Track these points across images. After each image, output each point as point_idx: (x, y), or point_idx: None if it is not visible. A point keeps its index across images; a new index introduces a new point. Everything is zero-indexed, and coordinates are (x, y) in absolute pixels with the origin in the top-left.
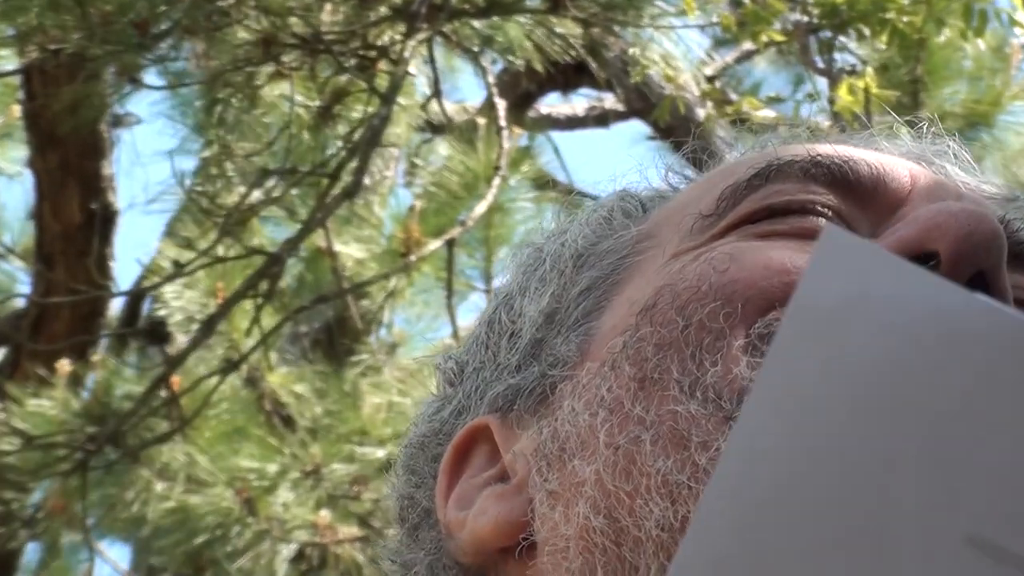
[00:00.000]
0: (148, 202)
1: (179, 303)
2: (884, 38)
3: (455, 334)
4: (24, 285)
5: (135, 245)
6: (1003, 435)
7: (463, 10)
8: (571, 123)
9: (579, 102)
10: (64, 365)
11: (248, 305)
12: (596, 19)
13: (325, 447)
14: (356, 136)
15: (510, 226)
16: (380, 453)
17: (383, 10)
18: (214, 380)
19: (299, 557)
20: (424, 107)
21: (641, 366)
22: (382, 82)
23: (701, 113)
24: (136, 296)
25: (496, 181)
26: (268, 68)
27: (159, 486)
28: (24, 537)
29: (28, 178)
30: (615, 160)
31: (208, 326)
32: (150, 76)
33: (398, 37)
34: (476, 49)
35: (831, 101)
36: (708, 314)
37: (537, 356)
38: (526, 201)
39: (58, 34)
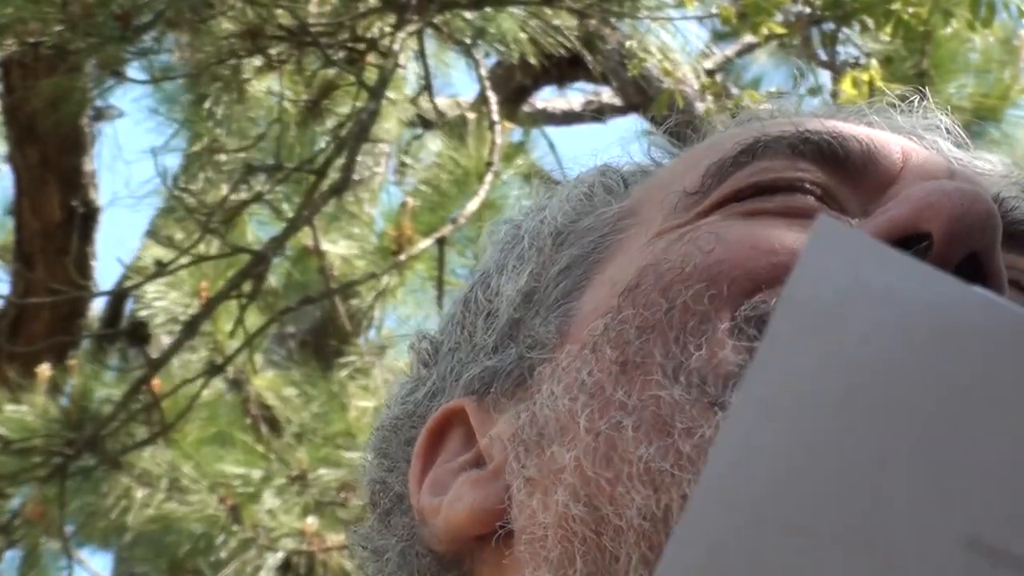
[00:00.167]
0: (132, 199)
1: (161, 304)
2: (889, 30)
3: None
4: (2, 284)
5: (117, 244)
6: (1001, 433)
7: (455, 1)
8: (567, 118)
9: (575, 96)
10: (44, 370)
11: (232, 306)
12: (592, 10)
13: (312, 452)
14: (344, 131)
15: None
16: None
17: (372, 1)
18: (197, 383)
19: (286, 566)
20: (414, 101)
21: (623, 349)
22: (371, 75)
23: (701, 107)
24: (118, 296)
25: (488, 177)
26: (254, 61)
27: (140, 493)
28: (2, 545)
29: (7, 174)
30: (612, 156)
31: (191, 327)
32: (133, 70)
33: (387, 29)
34: (468, 41)
35: (834, 95)
36: (693, 296)
37: (515, 337)
38: (519, 198)
39: (38, 26)
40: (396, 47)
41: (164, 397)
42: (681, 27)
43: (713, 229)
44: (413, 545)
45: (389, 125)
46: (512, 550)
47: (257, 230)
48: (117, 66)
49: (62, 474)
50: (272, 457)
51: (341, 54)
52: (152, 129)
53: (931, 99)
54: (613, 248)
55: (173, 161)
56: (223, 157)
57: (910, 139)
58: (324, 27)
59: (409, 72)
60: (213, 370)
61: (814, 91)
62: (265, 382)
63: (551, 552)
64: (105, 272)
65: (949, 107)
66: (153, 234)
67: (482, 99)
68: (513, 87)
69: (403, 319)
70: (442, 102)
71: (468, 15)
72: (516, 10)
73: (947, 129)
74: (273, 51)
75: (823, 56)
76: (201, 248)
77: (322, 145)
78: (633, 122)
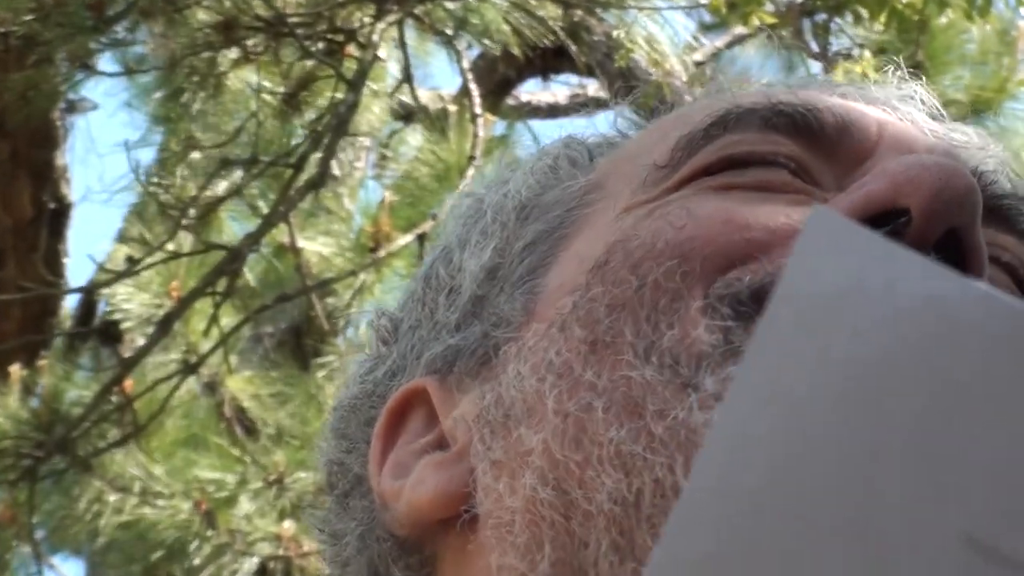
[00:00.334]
0: (105, 195)
1: (133, 302)
2: (882, 20)
3: None
4: None
5: (90, 240)
6: (999, 430)
7: None
8: (552, 111)
9: (560, 89)
10: (16, 370)
11: (206, 305)
12: (577, 0)
13: (289, 454)
14: (322, 125)
15: None
16: None
17: None
18: (170, 384)
19: (262, 572)
20: (394, 94)
21: (592, 328)
22: (350, 67)
23: (689, 100)
24: (90, 294)
25: (470, 172)
26: (230, 53)
27: (113, 497)
28: None
29: None
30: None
31: (163, 326)
32: (105, 62)
33: (367, 19)
34: (450, 32)
35: None
36: (664, 273)
37: (478, 315)
38: None
39: (7, 16)
40: (376, 38)
41: (136, 398)
42: (669, 18)
43: (684, 204)
44: (373, 529)
45: (369, 118)
46: (477, 535)
47: (232, 226)
48: (88, 57)
49: (32, 477)
50: (247, 460)
51: (319, 45)
52: (127, 123)
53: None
54: (579, 223)
55: (148, 155)
56: (198, 153)
57: (885, 111)
58: (302, 18)
59: (389, 64)
60: (187, 369)
61: None
62: (241, 383)
63: (518, 537)
64: (78, 269)
65: (944, 100)
66: (126, 230)
67: (464, 92)
68: (497, 80)
69: None
70: (423, 95)
71: (450, 5)
72: (499, 0)
73: (922, 100)
74: (249, 42)
75: (815, 47)
76: (175, 245)
77: (299, 139)
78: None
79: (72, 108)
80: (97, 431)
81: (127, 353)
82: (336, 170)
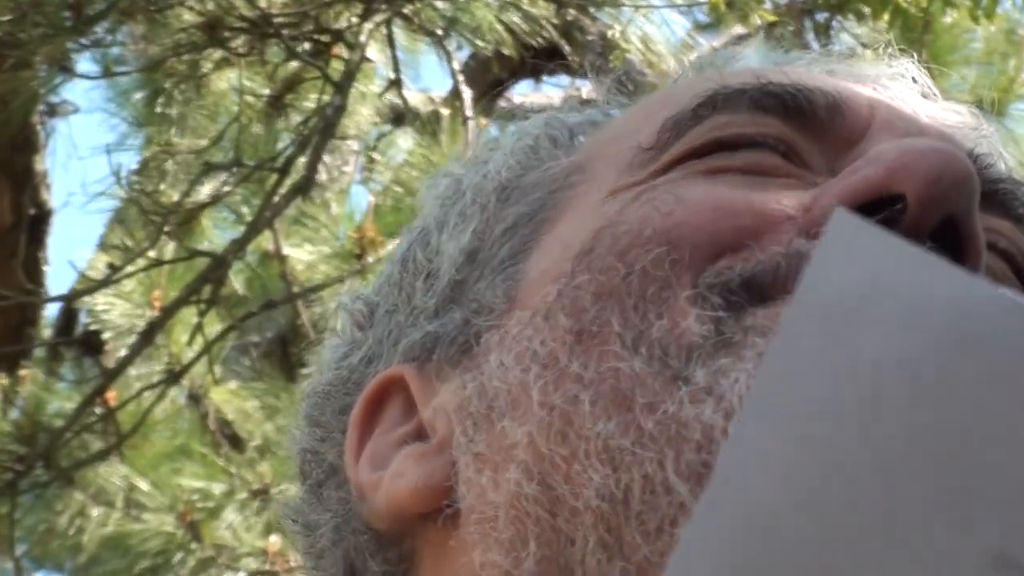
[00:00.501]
0: (85, 200)
1: (115, 311)
2: (886, 19)
3: None
4: None
5: (71, 247)
6: None
7: None
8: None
9: (554, 91)
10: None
11: (190, 314)
12: None
13: (275, 465)
14: (308, 128)
15: None
16: None
17: None
18: (154, 394)
19: None
20: (383, 96)
21: (578, 317)
22: (337, 69)
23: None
24: (71, 303)
25: None
26: (214, 54)
27: (96, 510)
28: None
29: None
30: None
31: (147, 335)
32: (85, 63)
33: (354, 19)
34: (440, 32)
35: None
36: (652, 261)
37: (458, 300)
38: None
39: None
40: (363, 38)
41: (118, 408)
42: (666, 17)
43: (672, 189)
44: (349, 521)
45: (356, 121)
46: (459, 530)
47: (217, 233)
48: (67, 59)
49: (13, 490)
50: (233, 472)
51: (305, 46)
52: (111, 127)
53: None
54: (562, 206)
55: (129, 160)
56: (181, 157)
57: (875, 89)
58: (287, 18)
59: (378, 65)
60: (171, 378)
61: None
62: (226, 394)
63: (502, 533)
64: (58, 277)
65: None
66: (108, 237)
67: (455, 94)
68: (488, 81)
69: None
70: (413, 97)
71: (439, 4)
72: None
73: (914, 78)
74: (234, 43)
75: (816, 47)
76: (158, 252)
77: (285, 142)
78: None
79: (53, 112)
80: (79, 443)
81: (110, 363)
82: (323, 175)
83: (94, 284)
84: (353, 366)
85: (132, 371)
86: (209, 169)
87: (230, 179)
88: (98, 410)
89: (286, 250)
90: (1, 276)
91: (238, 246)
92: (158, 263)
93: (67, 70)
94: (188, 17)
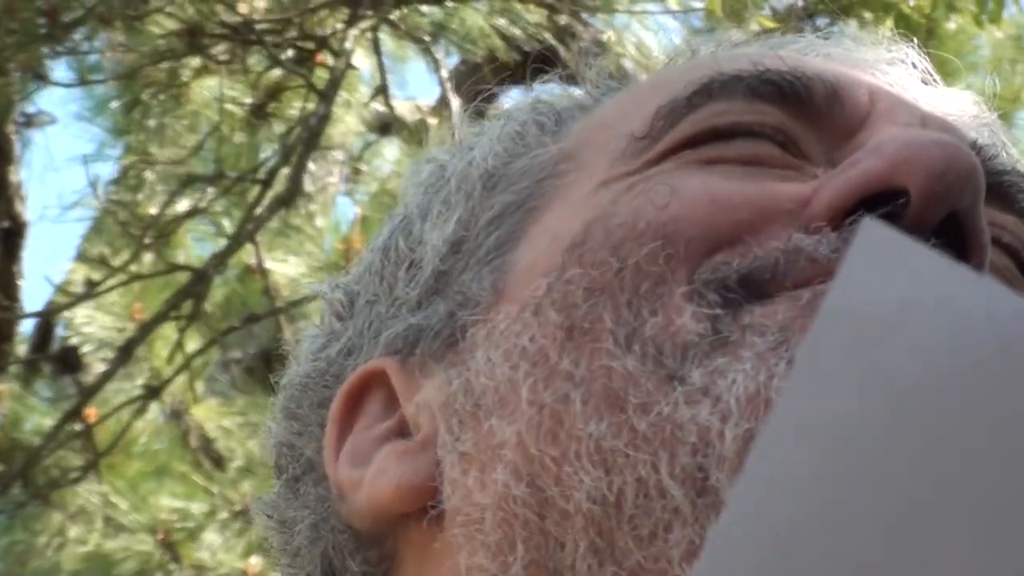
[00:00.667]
0: (61, 212)
1: (93, 327)
2: (888, 24)
3: None
4: None
5: (48, 261)
6: None
7: None
8: None
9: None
10: None
11: (170, 329)
12: (563, 4)
13: (256, 485)
14: (292, 138)
15: None
16: None
17: None
18: (133, 412)
19: None
20: (369, 105)
21: (569, 313)
22: (321, 76)
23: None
24: (47, 318)
25: None
26: (194, 62)
27: (74, 530)
28: None
29: None
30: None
31: (126, 351)
32: (61, 70)
33: (339, 25)
34: (428, 39)
35: None
36: (646, 256)
37: (442, 292)
38: None
39: None
40: (349, 45)
41: (96, 424)
42: (662, 23)
43: (667, 180)
44: (328, 519)
45: (341, 131)
46: (444, 532)
47: (197, 247)
48: (42, 67)
49: None
50: (214, 491)
51: (289, 53)
52: (88, 137)
53: None
54: (550, 195)
55: (107, 170)
56: (160, 168)
57: (874, 75)
58: (270, 24)
59: (363, 73)
60: (150, 394)
61: None
62: (207, 411)
63: (489, 536)
64: (33, 292)
65: None
66: (86, 250)
67: (443, 102)
68: (478, 89)
69: None
70: (400, 105)
71: (426, 9)
72: (480, 5)
73: (913, 64)
74: (214, 50)
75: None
76: (137, 266)
77: (267, 153)
78: None
79: (29, 122)
80: (57, 462)
81: (89, 378)
82: (307, 186)
83: (71, 300)
84: (332, 358)
85: (112, 386)
86: (189, 181)
87: (211, 191)
88: (77, 427)
89: (269, 264)
90: None
91: (219, 260)
92: (137, 277)
93: (42, 77)
94: (167, 24)
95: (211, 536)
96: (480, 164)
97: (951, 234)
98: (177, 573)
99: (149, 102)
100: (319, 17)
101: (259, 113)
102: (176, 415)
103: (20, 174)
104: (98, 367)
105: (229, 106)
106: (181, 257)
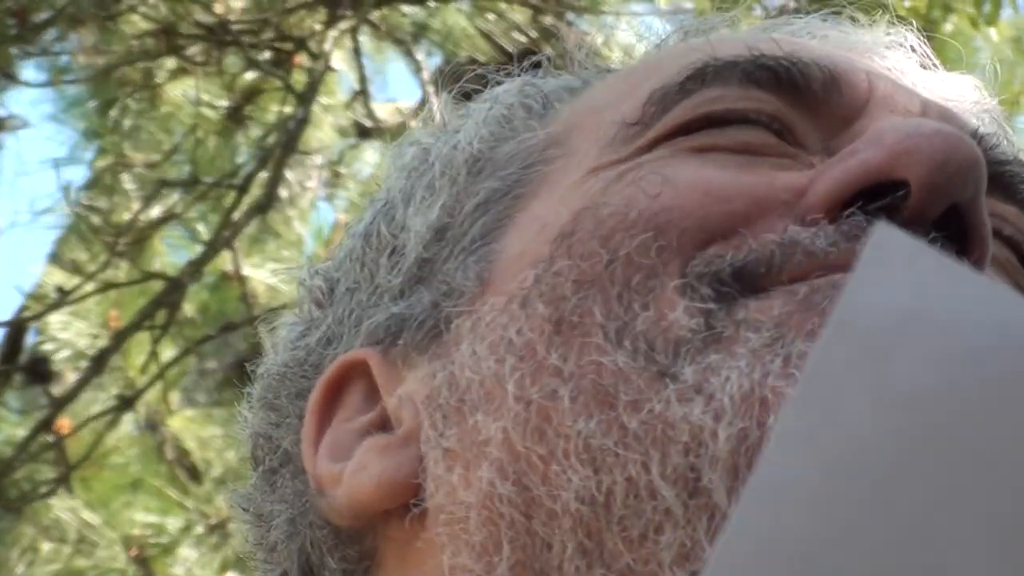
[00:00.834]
0: (31, 218)
1: (65, 336)
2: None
3: None
4: None
5: (16, 268)
6: None
7: None
8: None
9: None
10: None
11: (145, 338)
12: (548, 4)
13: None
14: (269, 141)
15: None
16: None
17: None
18: (105, 422)
19: None
20: (348, 107)
21: (557, 306)
22: (300, 79)
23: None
24: (16, 328)
25: None
26: (168, 63)
27: (46, 546)
28: None
29: None
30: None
31: (99, 362)
32: (31, 72)
33: (318, 26)
34: (409, 40)
35: None
36: (637, 247)
37: (425, 281)
38: None
39: None
40: (328, 47)
41: (68, 435)
42: (648, 24)
43: (659, 168)
44: (306, 514)
45: (320, 135)
46: (427, 531)
47: (172, 254)
48: (11, 67)
49: None
50: (189, 504)
51: (266, 55)
52: (60, 140)
53: None
54: (538, 182)
55: (79, 175)
56: (134, 172)
57: (872, 60)
58: (246, 24)
59: (343, 75)
60: (123, 404)
61: None
62: (183, 422)
63: (473, 536)
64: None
65: None
66: (56, 258)
67: (424, 104)
68: (460, 91)
69: None
70: (380, 108)
71: (407, 9)
72: (463, 5)
73: (912, 47)
74: (189, 51)
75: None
76: (110, 274)
77: (244, 157)
78: None
79: (0, 126)
80: (28, 475)
81: (61, 387)
82: (285, 191)
83: (42, 309)
84: (311, 347)
85: (85, 395)
86: (163, 186)
87: (186, 196)
88: (49, 439)
89: (246, 271)
90: None
91: (195, 268)
92: (110, 286)
93: (11, 77)
94: (141, 24)
95: (186, 551)
96: (465, 148)
97: (952, 227)
98: None
99: (124, 101)
100: (297, 17)
101: (235, 116)
102: (151, 426)
103: None
104: (70, 377)
105: (205, 109)
106: (156, 264)
